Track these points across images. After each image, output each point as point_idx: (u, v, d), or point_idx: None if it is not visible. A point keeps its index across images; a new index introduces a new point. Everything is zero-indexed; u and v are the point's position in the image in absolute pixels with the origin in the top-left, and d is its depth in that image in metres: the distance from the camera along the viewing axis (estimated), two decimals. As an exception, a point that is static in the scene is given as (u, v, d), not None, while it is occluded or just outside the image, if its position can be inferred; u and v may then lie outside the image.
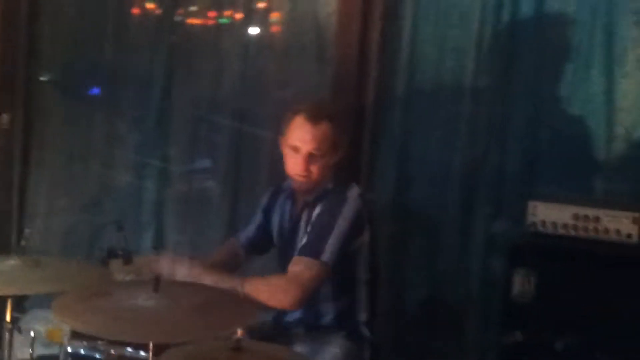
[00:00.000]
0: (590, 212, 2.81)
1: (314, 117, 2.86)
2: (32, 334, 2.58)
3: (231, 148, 3.99)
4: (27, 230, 2.85)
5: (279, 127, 3.06)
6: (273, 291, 2.71)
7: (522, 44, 3.37)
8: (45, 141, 4.46)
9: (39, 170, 4.48)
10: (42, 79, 4.44)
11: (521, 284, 2.82)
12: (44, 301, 3.51)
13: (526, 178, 3.35)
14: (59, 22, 4.39)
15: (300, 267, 2.74)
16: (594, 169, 3.26)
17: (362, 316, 2.96)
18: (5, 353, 2.59)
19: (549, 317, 2.79)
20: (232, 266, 3.14)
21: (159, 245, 4.13)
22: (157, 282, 2.16)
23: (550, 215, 2.87)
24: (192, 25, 4.12)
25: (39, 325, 3.32)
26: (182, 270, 2.74)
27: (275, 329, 2.99)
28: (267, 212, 3.17)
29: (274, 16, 3.90)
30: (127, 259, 2.88)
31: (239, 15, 3.97)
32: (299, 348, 2.84)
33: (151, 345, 2.08)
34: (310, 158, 2.85)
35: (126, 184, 4.28)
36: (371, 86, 3.60)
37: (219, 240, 3.87)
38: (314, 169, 2.87)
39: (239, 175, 3.99)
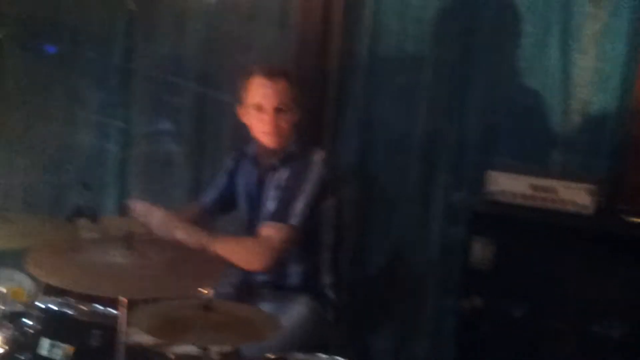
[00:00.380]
0: (548, 183, 2.89)
1: (272, 74, 2.92)
2: (3, 290, 2.57)
3: (194, 111, 4.01)
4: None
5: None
6: (245, 253, 2.76)
7: (483, 16, 3.41)
8: (3, 98, 4.42)
9: (-2, 127, 4.45)
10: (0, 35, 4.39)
11: (480, 251, 2.90)
12: (8, 260, 3.51)
13: (484, 148, 3.43)
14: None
15: (270, 231, 2.80)
16: (550, 141, 3.33)
17: (327, 279, 3.04)
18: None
19: (507, 284, 2.89)
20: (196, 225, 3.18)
21: (120, 206, 4.14)
22: (129, 240, 2.19)
23: (508, 185, 2.94)
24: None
25: (2, 285, 3.33)
26: (157, 219, 2.78)
27: (242, 288, 3.05)
28: (232, 175, 3.21)
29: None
30: (93, 218, 2.90)
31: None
32: (265, 307, 2.89)
33: (124, 299, 2.11)
34: (277, 113, 2.90)
35: (87, 145, 4.26)
36: (334, 53, 3.65)
37: (181, 202, 3.92)
38: (283, 124, 2.92)
39: (201, 138, 4.01)
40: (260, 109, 2.92)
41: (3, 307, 2.47)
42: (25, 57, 4.35)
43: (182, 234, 2.72)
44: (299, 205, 2.82)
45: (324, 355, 2.45)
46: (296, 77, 3.07)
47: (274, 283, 3.02)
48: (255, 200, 3.05)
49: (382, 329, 3.67)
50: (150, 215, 2.79)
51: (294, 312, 2.91)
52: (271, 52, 3.79)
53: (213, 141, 3.96)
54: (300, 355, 2.49)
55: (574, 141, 3.30)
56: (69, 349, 2.31)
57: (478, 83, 3.44)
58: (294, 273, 3.00)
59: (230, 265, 2.71)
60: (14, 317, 2.42)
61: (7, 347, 2.36)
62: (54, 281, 2.12)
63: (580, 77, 3.28)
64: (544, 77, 3.34)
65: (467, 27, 3.45)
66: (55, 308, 2.37)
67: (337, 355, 2.41)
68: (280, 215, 2.82)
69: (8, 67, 4.38)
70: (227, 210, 3.26)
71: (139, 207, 2.83)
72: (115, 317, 2.26)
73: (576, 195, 2.85)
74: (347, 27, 3.64)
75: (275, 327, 2.30)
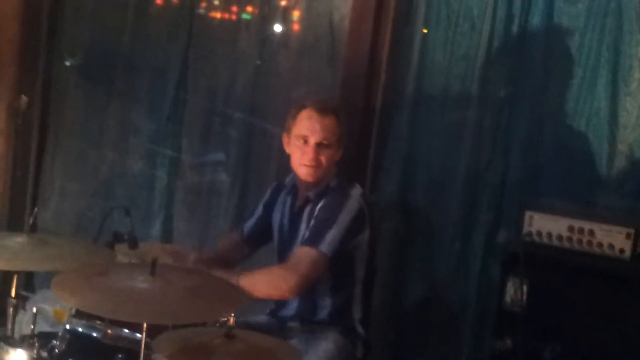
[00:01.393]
0: (585, 225, 2.83)
1: (322, 110, 2.97)
2: (34, 310, 2.64)
3: (242, 142, 4.08)
4: (36, 209, 2.90)
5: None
6: (272, 280, 2.78)
7: (530, 55, 3.40)
8: (62, 124, 4.59)
9: (54, 152, 4.61)
10: (62, 63, 4.55)
11: (514, 292, 2.86)
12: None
13: (527, 188, 3.38)
14: (81, 7, 4.52)
15: (299, 256, 2.81)
16: (594, 183, 3.27)
17: (357, 314, 3.02)
18: (9, 327, 2.65)
19: (539, 326, 2.83)
20: (233, 258, 3.23)
21: (167, 234, 4.23)
22: (154, 266, 2.23)
23: (546, 225, 2.90)
24: (211, 18, 4.21)
25: (47, 305, 3.42)
26: (187, 265, 2.83)
27: (271, 323, 3.06)
28: (268, 207, 3.25)
29: (291, 14, 3.97)
30: (133, 244, 2.96)
31: (255, 11, 4.06)
32: (294, 342, 2.89)
33: (145, 325, 2.15)
34: (319, 148, 2.94)
35: (138, 172, 4.38)
36: (380, 89, 3.67)
37: (225, 233, 3.97)
38: (323, 158, 2.95)
39: (248, 170, 4.08)
40: (304, 140, 2.96)
41: (33, 326, 2.52)
42: (81, 85, 4.50)
43: None
44: (332, 234, 2.82)
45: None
46: (346, 116, 3.10)
47: (304, 316, 3.01)
48: (289, 232, 3.07)
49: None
50: (182, 261, 2.85)
51: (321, 349, 2.89)
52: (319, 87, 3.85)
53: (260, 172, 4.01)
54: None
55: (619, 184, 3.23)
56: (92, 371, 2.36)
57: (524, 122, 3.41)
58: (325, 307, 2.99)
59: (260, 298, 2.74)
60: (42, 337, 2.48)
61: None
62: (76, 304, 2.18)
63: (627, 119, 3.22)
64: (590, 119, 3.29)
65: (515, 66, 3.43)
66: (81, 330, 2.42)
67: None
68: (311, 241, 2.83)
69: (68, 93, 4.54)
70: (264, 242, 3.29)
71: (171, 255, 2.89)
72: (139, 341, 2.30)
73: (613, 239, 2.79)
74: (394, 63, 3.66)
75: (298, 360, 2.32)
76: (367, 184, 3.65)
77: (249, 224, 3.31)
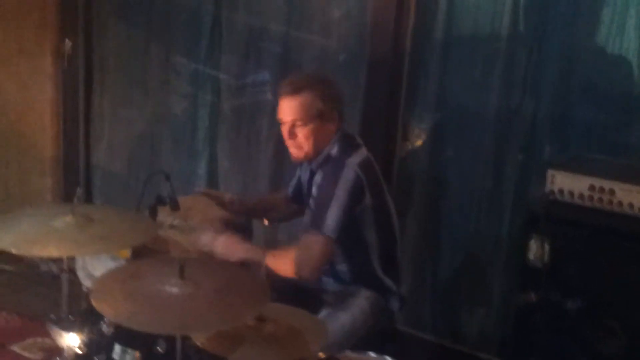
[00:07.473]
0: (606, 184, 2.86)
1: (290, 91, 3.00)
2: (84, 289, 2.82)
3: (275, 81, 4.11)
4: (79, 190, 3.05)
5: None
6: (289, 264, 2.91)
7: (560, -8, 3.36)
8: (106, 65, 4.70)
9: (101, 92, 4.78)
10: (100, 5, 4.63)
11: (536, 248, 2.95)
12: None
13: (557, 128, 3.41)
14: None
15: (308, 242, 2.93)
16: (623, 123, 3.28)
17: (380, 271, 3.10)
18: (63, 301, 2.84)
19: (561, 282, 2.92)
20: (277, 211, 3.44)
21: (212, 171, 4.39)
22: (182, 269, 2.37)
23: (567, 184, 2.93)
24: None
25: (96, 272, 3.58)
26: (221, 244, 2.99)
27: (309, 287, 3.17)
28: (300, 169, 3.34)
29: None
30: (174, 206, 3.13)
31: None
32: (329, 300, 3.09)
33: (178, 336, 2.31)
34: (292, 128, 3.01)
35: (182, 111, 4.51)
36: (409, 31, 3.67)
37: (266, 169, 4.15)
38: (301, 137, 3.01)
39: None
40: (282, 124, 3.05)
41: (86, 304, 2.67)
42: (121, 26, 4.61)
43: (243, 254, 2.93)
44: (332, 214, 2.88)
45: (373, 354, 2.61)
46: (330, 85, 3.09)
47: (335, 277, 3.14)
48: (307, 194, 3.18)
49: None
50: (215, 242, 3.00)
51: (356, 304, 3.03)
52: (348, 31, 3.88)
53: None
54: (351, 354, 2.65)
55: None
56: (135, 354, 2.56)
57: (554, 60, 3.39)
58: (345, 271, 3.10)
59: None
60: (92, 315, 2.66)
61: (86, 350, 2.62)
62: (113, 317, 2.32)
63: (656, 60, 3.18)
64: (620, 57, 3.26)
65: (544, 4, 3.40)
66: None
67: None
68: (315, 225, 2.92)
69: (108, 36, 4.64)
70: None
71: (204, 237, 3.04)
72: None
73: (633, 198, 2.82)
74: (422, 4, 3.64)
75: (323, 337, 2.47)
76: (399, 128, 3.72)
77: (292, 183, 3.41)
